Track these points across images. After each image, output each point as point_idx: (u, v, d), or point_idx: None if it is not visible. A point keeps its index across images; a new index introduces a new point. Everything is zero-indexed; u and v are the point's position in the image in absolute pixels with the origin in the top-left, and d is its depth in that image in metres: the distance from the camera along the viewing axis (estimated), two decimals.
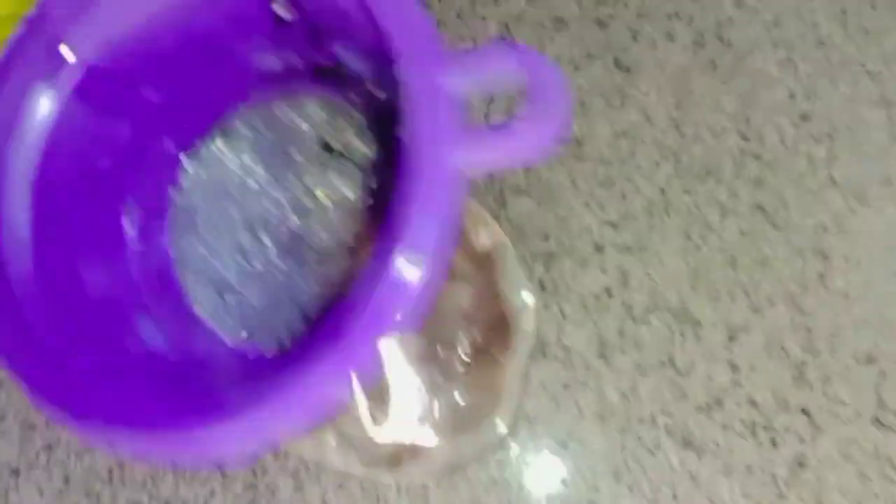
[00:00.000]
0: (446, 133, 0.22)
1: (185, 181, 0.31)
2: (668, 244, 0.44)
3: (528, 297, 0.31)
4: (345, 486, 0.40)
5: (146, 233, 0.30)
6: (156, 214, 0.31)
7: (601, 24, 0.46)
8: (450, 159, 0.22)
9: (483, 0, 0.47)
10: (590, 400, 0.42)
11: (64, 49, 0.27)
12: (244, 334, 0.30)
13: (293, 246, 0.30)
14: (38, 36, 0.27)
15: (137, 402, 0.24)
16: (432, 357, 0.28)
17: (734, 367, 0.42)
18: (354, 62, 0.29)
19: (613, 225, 0.44)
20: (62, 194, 0.27)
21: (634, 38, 0.46)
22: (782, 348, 0.42)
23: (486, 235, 0.30)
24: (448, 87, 0.23)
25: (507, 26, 0.47)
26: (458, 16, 0.47)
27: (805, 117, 0.44)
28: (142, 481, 0.43)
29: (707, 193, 0.44)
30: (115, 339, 0.27)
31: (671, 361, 0.42)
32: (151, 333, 0.28)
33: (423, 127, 0.22)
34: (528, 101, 0.22)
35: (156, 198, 0.31)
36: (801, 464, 0.41)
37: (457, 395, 0.29)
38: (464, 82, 0.23)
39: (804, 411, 0.42)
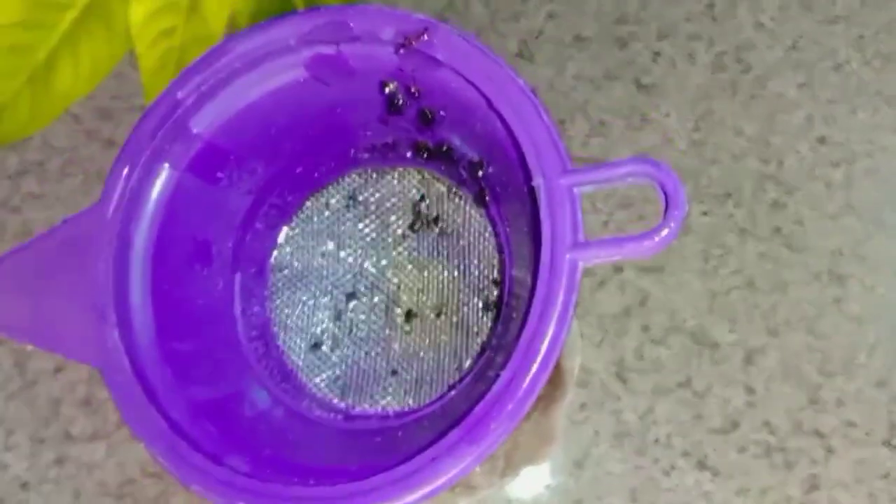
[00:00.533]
0: (580, 243, 0.25)
1: (282, 246, 0.32)
2: (687, 266, 0.44)
3: (579, 341, 0.32)
4: None
5: (246, 298, 0.31)
6: (255, 280, 0.31)
7: (622, 43, 0.46)
8: (580, 265, 0.25)
9: (503, 16, 0.47)
10: (607, 420, 0.43)
11: (189, 131, 0.28)
12: (338, 392, 0.31)
13: (384, 309, 0.32)
14: (163, 119, 0.27)
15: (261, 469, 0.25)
16: None
17: (750, 390, 0.43)
18: (461, 145, 0.30)
19: None
20: (173, 272, 0.27)
21: (655, 59, 0.46)
22: (798, 371, 0.43)
23: None
24: (577, 195, 0.26)
25: (526, 43, 0.47)
26: (478, 33, 0.47)
27: (823, 142, 0.45)
28: (153, 497, 0.43)
29: (726, 216, 0.44)
30: (234, 407, 0.27)
31: (688, 383, 0.43)
32: (261, 396, 0.29)
33: (559, 241, 0.25)
34: (664, 215, 0.25)
35: (255, 263, 0.31)
36: (814, 485, 0.42)
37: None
38: (591, 188, 0.26)
39: (818, 433, 0.42)
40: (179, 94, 0.28)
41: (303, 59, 0.28)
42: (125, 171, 0.28)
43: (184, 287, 0.28)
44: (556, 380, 0.31)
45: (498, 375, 0.24)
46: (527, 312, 0.24)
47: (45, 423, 0.44)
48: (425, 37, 0.26)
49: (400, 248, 0.32)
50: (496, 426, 0.24)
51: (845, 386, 0.43)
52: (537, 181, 0.26)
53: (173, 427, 0.25)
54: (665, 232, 0.24)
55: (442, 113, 0.29)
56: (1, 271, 0.27)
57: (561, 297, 0.24)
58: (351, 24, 0.27)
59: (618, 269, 0.44)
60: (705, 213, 0.45)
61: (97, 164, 0.46)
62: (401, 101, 0.29)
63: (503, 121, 0.26)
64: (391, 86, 0.29)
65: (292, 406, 0.29)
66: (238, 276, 0.31)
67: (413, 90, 0.29)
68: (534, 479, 0.42)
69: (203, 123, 0.29)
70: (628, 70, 0.46)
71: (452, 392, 0.29)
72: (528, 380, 0.24)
